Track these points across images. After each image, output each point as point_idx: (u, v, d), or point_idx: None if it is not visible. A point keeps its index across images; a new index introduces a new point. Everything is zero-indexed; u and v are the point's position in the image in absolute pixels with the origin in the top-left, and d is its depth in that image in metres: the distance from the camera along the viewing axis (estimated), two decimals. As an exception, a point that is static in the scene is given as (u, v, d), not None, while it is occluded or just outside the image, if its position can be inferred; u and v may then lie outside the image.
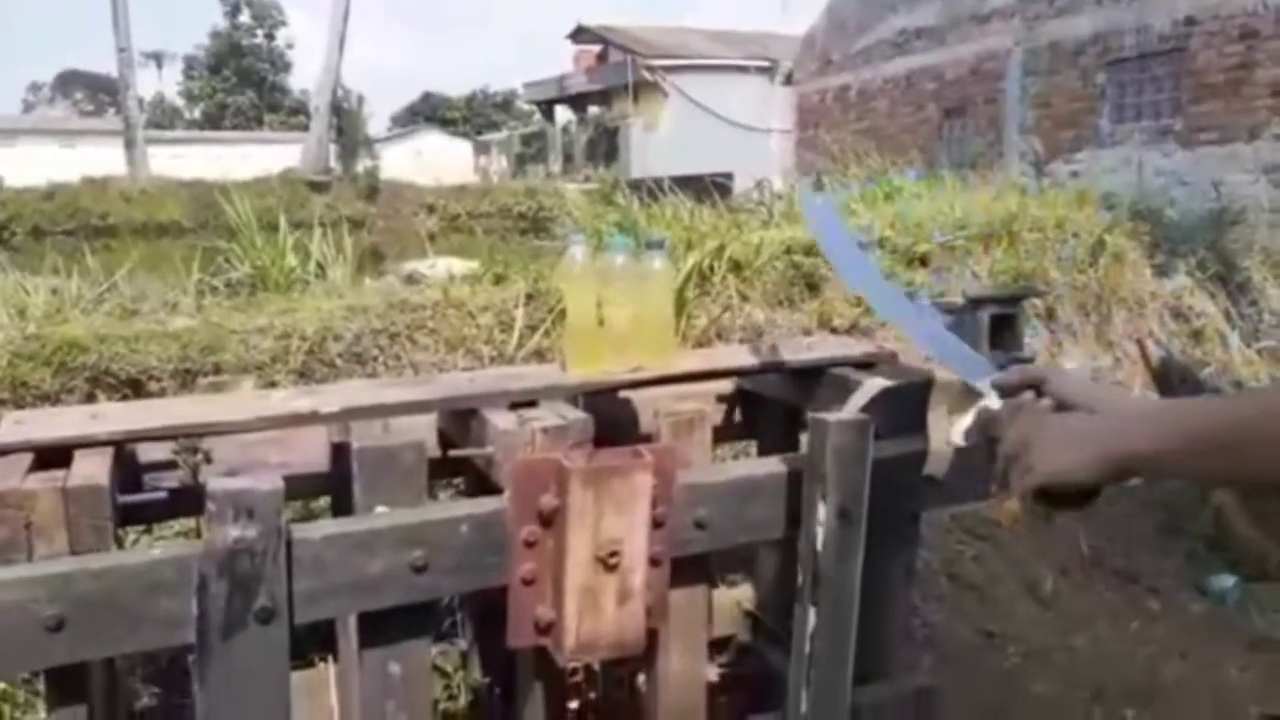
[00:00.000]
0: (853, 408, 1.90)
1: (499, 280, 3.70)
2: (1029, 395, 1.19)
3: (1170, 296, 4.40)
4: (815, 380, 2.13)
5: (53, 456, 1.57)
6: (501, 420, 1.78)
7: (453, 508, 1.66)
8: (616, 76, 28.87)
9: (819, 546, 1.87)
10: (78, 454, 1.59)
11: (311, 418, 1.75)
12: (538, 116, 40.58)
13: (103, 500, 1.48)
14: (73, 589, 1.39)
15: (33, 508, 1.44)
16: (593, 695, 2.18)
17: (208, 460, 1.94)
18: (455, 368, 3.05)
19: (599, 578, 1.63)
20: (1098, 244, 4.36)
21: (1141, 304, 4.30)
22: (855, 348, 2.24)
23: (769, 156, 20.95)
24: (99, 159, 31.46)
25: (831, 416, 1.80)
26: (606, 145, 29.60)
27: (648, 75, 27.24)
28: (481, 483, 1.91)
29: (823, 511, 1.84)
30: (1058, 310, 3.93)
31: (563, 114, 34.43)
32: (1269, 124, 8.42)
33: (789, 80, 15.47)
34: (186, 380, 2.71)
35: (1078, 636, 3.18)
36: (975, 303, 2.54)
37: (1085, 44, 10.03)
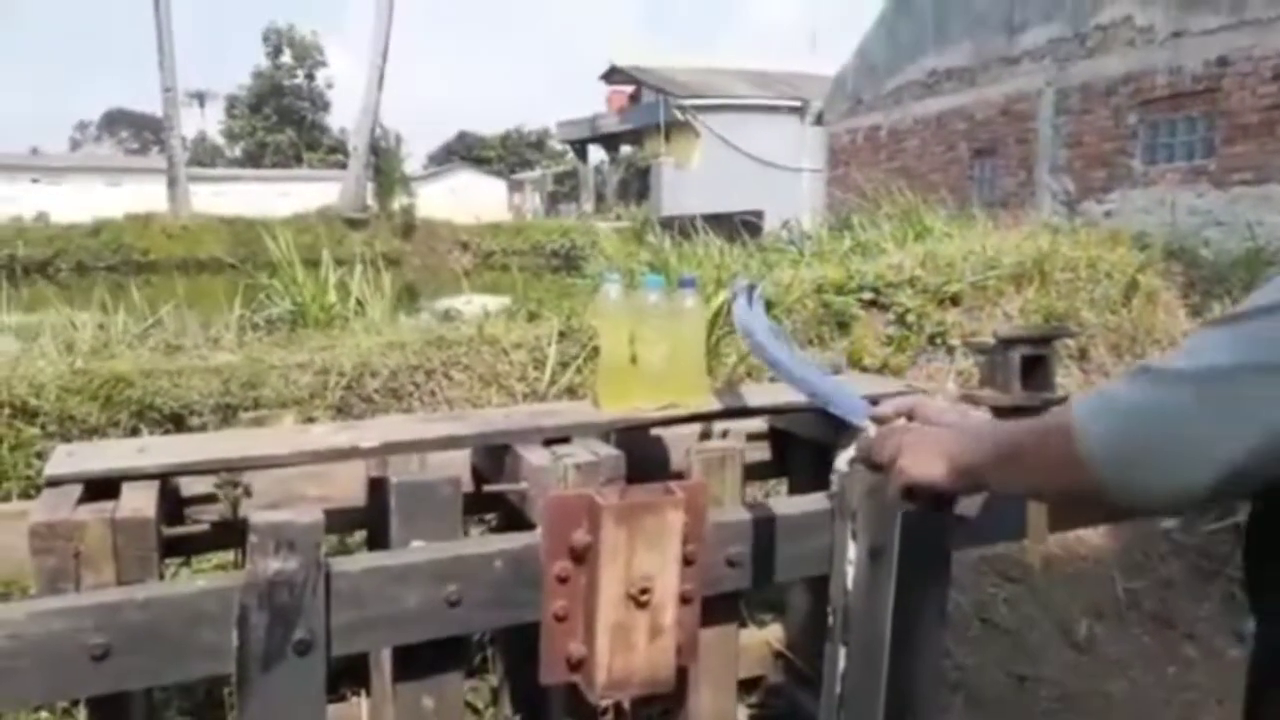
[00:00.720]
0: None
1: (533, 317, 3.75)
2: (901, 421, 1.33)
3: (1206, 337, 4.35)
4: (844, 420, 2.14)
5: (101, 488, 1.62)
6: (535, 456, 1.81)
7: (487, 543, 1.69)
8: (649, 116, 29.16)
9: (849, 586, 1.87)
10: (125, 486, 1.63)
11: (351, 452, 1.79)
12: (570, 155, 41.03)
13: (149, 532, 1.52)
14: (119, 619, 1.42)
15: (82, 538, 1.48)
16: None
17: (248, 494, 1.98)
18: (489, 404, 3.09)
19: (631, 614, 1.65)
20: (1131, 284, 4.35)
21: (1176, 344, 4.27)
22: (887, 386, 2.26)
23: (800, 195, 21.02)
24: (143, 196, 32.19)
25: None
26: (638, 184, 29.84)
27: (679, 115, 27.49)
28: (514, 518, 1.94)
29: (853, 550, 1.85)
30: (1090, 351, 3.92)
31: (595, 153, 34.79)
32: (1304, 166, 8.38)
33: (819, 120, 15.56)
34: (228, 415, 2.77)
35: (1113, 682, 3.13)
36: (1007, 343, 2.55)
37: (1117, 84, 10.02)
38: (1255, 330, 0.85)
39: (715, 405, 2.08)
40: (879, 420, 1.41)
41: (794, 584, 2.39)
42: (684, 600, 1.72)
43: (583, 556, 1.65)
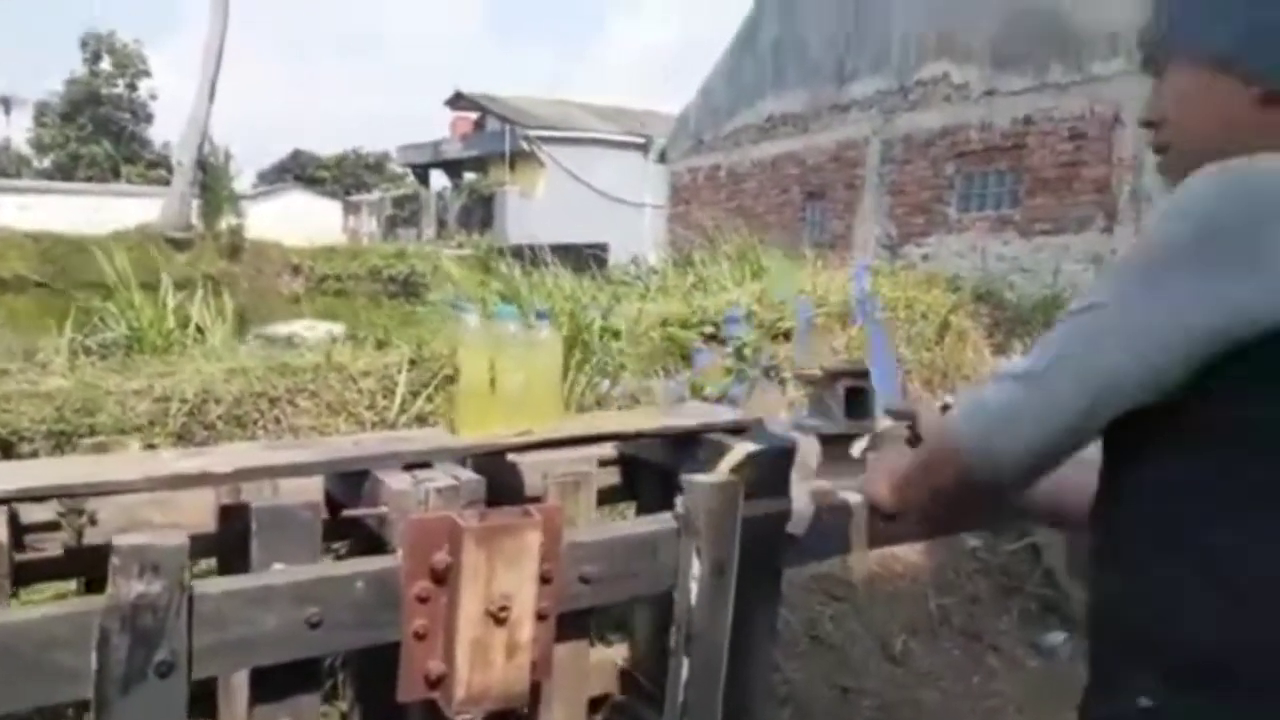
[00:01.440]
0: (723, 470, 2.06)
1: (380, 345, 3.76)
2: (900, 426, 1.53)
3: (1008, 373, 4.79)
4: (690, 444, 2.29)
5: (-56, 515, 1.58)
6: (395, 481, 1.87)
7: (348, 565, 1.74)
8: (494, 144, 29.16)
9: (693, 601, 2.01)
10: (-22, 509, 1.60)
11: (203, 478, 1.80)
12: (410, 179, 40.42)
13: (1, 558, 1.50)
14: (-34, 645, 1.40)
15: (-74, 564, 1.45)
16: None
17: (92, 522, 1.95)
18: (337, 431, 3.09)
19: (489, 632, 1.72)
20: (944, 323, 4.74)
21: (981, 380, 4.67)
22: (726, 415, 2.42)
23: (643, 230, 21.49)
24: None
25: (704, 478, 1.97)
26: (482, 211, 29.73)
27: (525, 145, 27.63)
28: (369, 544, 1.98)
29: (697, 567, 1.99)
30: (907, 385, 4.25)
31: (438, 178, 34.45)
32: (1095, 218, 9.25)
33: (662, 158, 16.01)
34: (61, 442, 2.68)
35: (926, 692, 3.39)
36: (832, 376, 2.76)
37: (936, 136, 10.81)
38: (1060, 331, 1.10)
39: (570, 432, 2.18)
40: (890, 414, 1.64)
41: (640, 605, 2.51)
42: (540, 617, 1.81)
43: (443, 577, 1.72)
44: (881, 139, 11.35)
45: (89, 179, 49.82)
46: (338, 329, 4.62)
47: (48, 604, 1.53)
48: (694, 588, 2.00)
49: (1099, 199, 9.22)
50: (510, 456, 2.15)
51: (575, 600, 1.90)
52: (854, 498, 2.33)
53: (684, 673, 2.03)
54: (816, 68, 12.07)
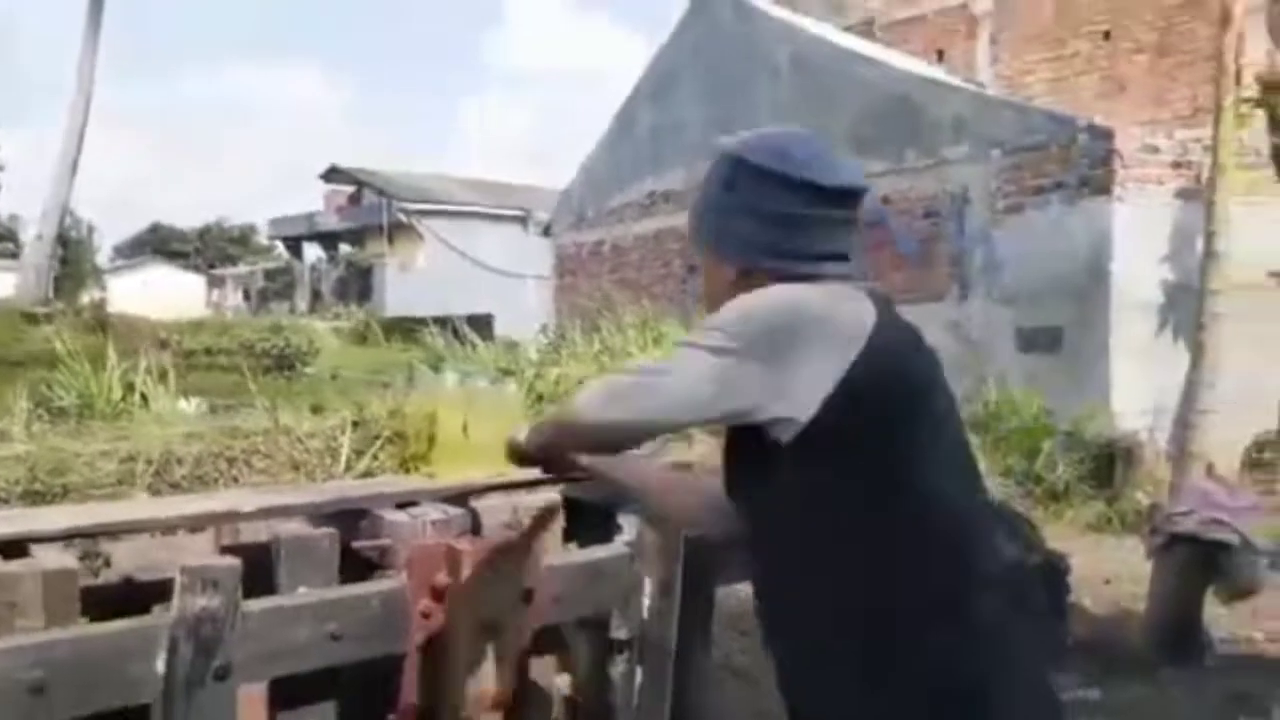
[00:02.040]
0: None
1: (316, 410, 4.00)
2: None
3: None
4: (631, 486, 2.65)
5: (12, 550, 1.80)
6: (394, 516, 2.17)
7: (363, 587, 2.01)
8: (370, 217, 29.20)
9: (644, 615, 2.35)
10: (34, 547, 1.82)
11: (231, 516, 2.06)
12: (279, 252, 39.83)
13: (73, 581, 1.74)
14: (53, 656, 1.63)
15: (15, 589, 1.67)
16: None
17: (107, 564, 2.17)
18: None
19: (482, 643, 2.03)
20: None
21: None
22: (660, 460, 2.79)
23: (525, 301, 21.84)
24: None
25: (655, 509, 2.32)
26: (360, 284, 29.58)
27: (403, 218, 27.77)
28: (364, 575, 2.25)
29: (648, 586, 2.34)
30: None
31: (311, 251, 34.10)
32: (951, 288, 10.12)
33: (547, 231, 16.48)
34: (37, 501, 2.84)
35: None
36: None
37: (805, 214, 11.61)
38: (689, 354, 1.49)
39: (534, 474, 2.51)
40: None
41: (580, 636, 2.82)
42: (521, 632, 2.12)
43: (442, 595, 2.02)
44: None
45: (-74, 252, 47.02)
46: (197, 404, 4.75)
47: (118, 621, 1.74)
48: (645, 604, 2.34)
49: (953, 270, 10.10)
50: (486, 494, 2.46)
51: (549, 616, 2.22)
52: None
53: (639, 678, 2.36)
54: (693, 148, 12.80)
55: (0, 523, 1.90)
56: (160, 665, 1.69)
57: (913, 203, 10.64)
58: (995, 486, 4.91)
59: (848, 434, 1.40)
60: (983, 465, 5.10)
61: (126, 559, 2.17)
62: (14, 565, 1.70)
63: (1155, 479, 7.34)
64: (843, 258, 1.61)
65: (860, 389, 1.40)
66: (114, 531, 1.96)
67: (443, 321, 9.84)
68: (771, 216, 1.55)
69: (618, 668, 2.94)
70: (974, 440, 5.37)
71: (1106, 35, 12.12)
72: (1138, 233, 8.47)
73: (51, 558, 1.75)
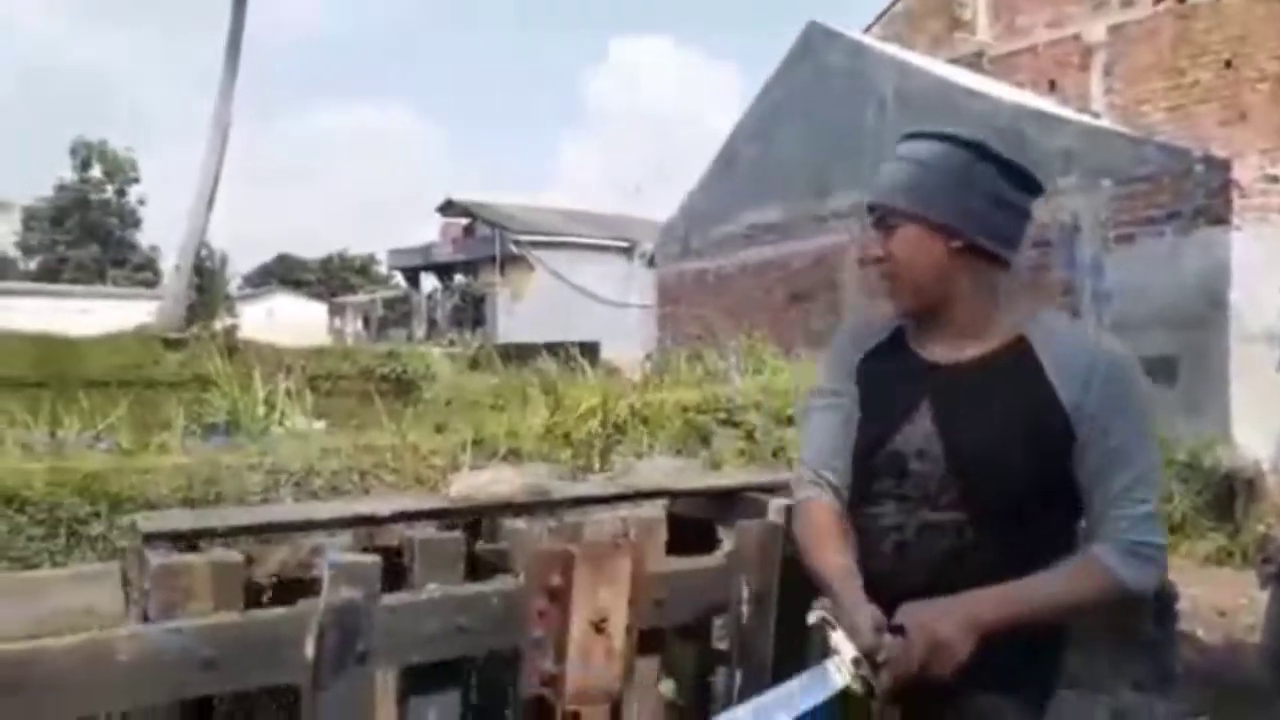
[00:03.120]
0: (767, 517, 2.58)
1: (439, 429, 4.27)
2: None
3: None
4: (730, 501, 2.81)
5: (188, 543, 2.07)
6: (513, 523, 2.38)
7: (486, 585, 2.22)
8: (483, 248, 30.12)
9: (743, 622, 2.50)
10: (203, 542, 2.09)
11: (371, 520, 2.30)
12: (397, 281, 41.27)
13: (238, 572, 1.99)
14: (222, 636, 1.88)
15: (191, 576, 1.93)
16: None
17: (250, 561, 2.44)
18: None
19: (592, 640, 2.21)
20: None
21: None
22: (762, 475, 2.95)
23: (629, 328, 22.18)
24: (-84, 306, 29.94)
25: (752, 522, 2.48)
26: (473, 312, 30.50)
27: (514, 249, 28.57)
28: (486, 575, 2.47)
29: (745, 594, 2.49)
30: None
31: (427, 281, 35.30)
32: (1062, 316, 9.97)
33: (651, 262, 16.78)
34: (194, 508, 3.15)
35: None
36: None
37: (911, 243, 11.61)
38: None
39: (636, 488, 2.70)
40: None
41: (683, 648, 2.98)
42: (628, 631, 2.29)
43: (556, 595, 2.20)
44: (858, 245, 12.16)
45: (74, 281, 50.25)
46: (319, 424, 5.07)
47: (275, 609, 1.99)
48: (743, 611, 2.49)
49: (1065, 300, 9.94)
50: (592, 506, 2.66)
51: (651, 620, 2.39)
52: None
53: (738, 680, 2.51)
54: (794, 183, 12.93)
55: (174, 521, 2.17)
56: (310, 649, 1.92)
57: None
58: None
59: None
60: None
61: (274, 560, 2.44)
62: (189, 557, 1.96)
63: (1279, 511, 7.08)
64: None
65: None
66: (273, 529, 2.21)
67: (553, 348, 10.18)
68: (1002, 202, 1.74)
69: (718, 677, 3.10)
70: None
71: (1228, 64, 11.79)
72: (1258, 261, 8.23)
73: (218, 552, 2.01)
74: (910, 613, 1.60)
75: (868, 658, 1.56)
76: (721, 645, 3.36)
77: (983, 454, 1.66)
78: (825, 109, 12.74)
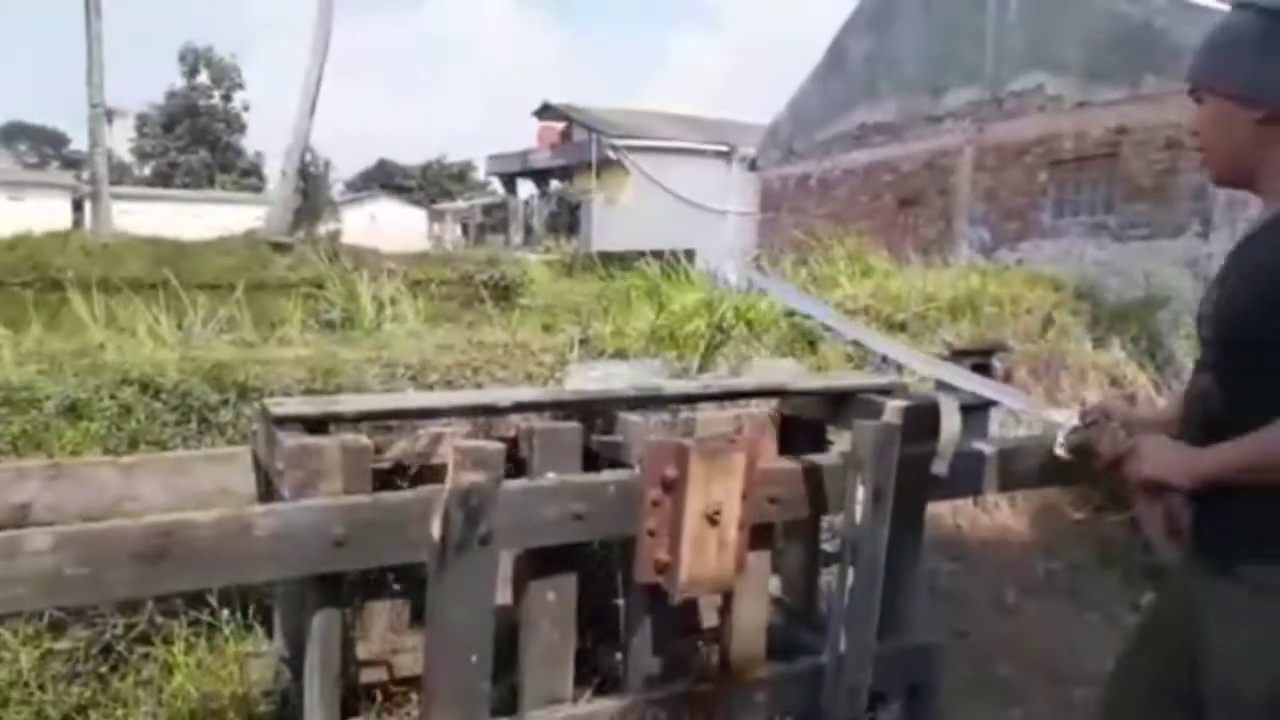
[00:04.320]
0: (884, 418, 2.52)
1: (547, 328, 4.29)
2: (1106, 420, 1.89)
3: (1108, 366, 5.16)
4: (844, 403, 2.76)
5: (314, 427, 2.13)
6: (628, 416, 2.38)
7: (603, 476, 2.24)
8: (580, 153, 29.91)
9: (857, 520, 2.48)
10: (331, 426, 2.15)
11: (491, 409, 2.33)
12: (494, 187, 41.49)
13: (367, 456, 2.05)
14: (355, 517, 1.94)
15: (321, 458, 1.99)
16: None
17: (379, 450, 2.50)
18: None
19: (706, 531, 2.22)
20: (1047, 318, 5.11)
21: (1084, 371, 5.02)
22: (877, 378, 2.89)
23: (725, 235, 21.94)
24: (47, 212, 31.35)
25: (870, 422, 2.43)
26: (568, 218, 30.52)
27: (611, 154, 28.32)
28: (600, 468, 2.49)
29: (861, 493, 2.46)
30: (1015, 372, 4.64)
31: (524, 187, 35.38)
32: (1190, 224, 9.43)
33: (752, 166, 16.46)
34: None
35: (1031, 639, 3.80)
36: (957, 354, 3.20)
37: (1029, 145, 11.06)
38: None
39: (748, 386, 2.68)
40: (1084, 415, 1.96)
41: (792, 545, 2.98)
42: (740, 526, 2.30)
43: (671, 487, 2.21)
44: (975, 147, 11.66)
45: (185, 186, 51.95)
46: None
47: (404, 491, 2.05)
48: (858, 510, 2.46)
49: (1195, 206, 9.40)
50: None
51: (763, 515, 2.38)
52: (986, 449, 2.78)
53: (849, 579, 2.50)
54: (909, 81, 12.41)
55: (302, 406, 2.23)
56: (436, 529, 1.97)
57: (1152, 132, 9.94)
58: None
59: None
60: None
61: (397, 448, 2.50)
62: (320, 439, 2.02)
63: None
64: None
65: None
66: (397, 415, 2.26)
67: (652, 254, 10.16)
68: None
69: (827, 578, 3.11)
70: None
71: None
72: None
73: (348, 436, 2.06)
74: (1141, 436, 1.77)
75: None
76: (829, 547, 3.36)
77: (1233, 315, 1.64)
78: (941, 1, 12.14)
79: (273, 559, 1.88)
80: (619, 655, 2.41)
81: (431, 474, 2.36)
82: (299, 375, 3.30)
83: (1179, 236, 9.49)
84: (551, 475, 2.19)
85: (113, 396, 2.92)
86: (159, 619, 2.47)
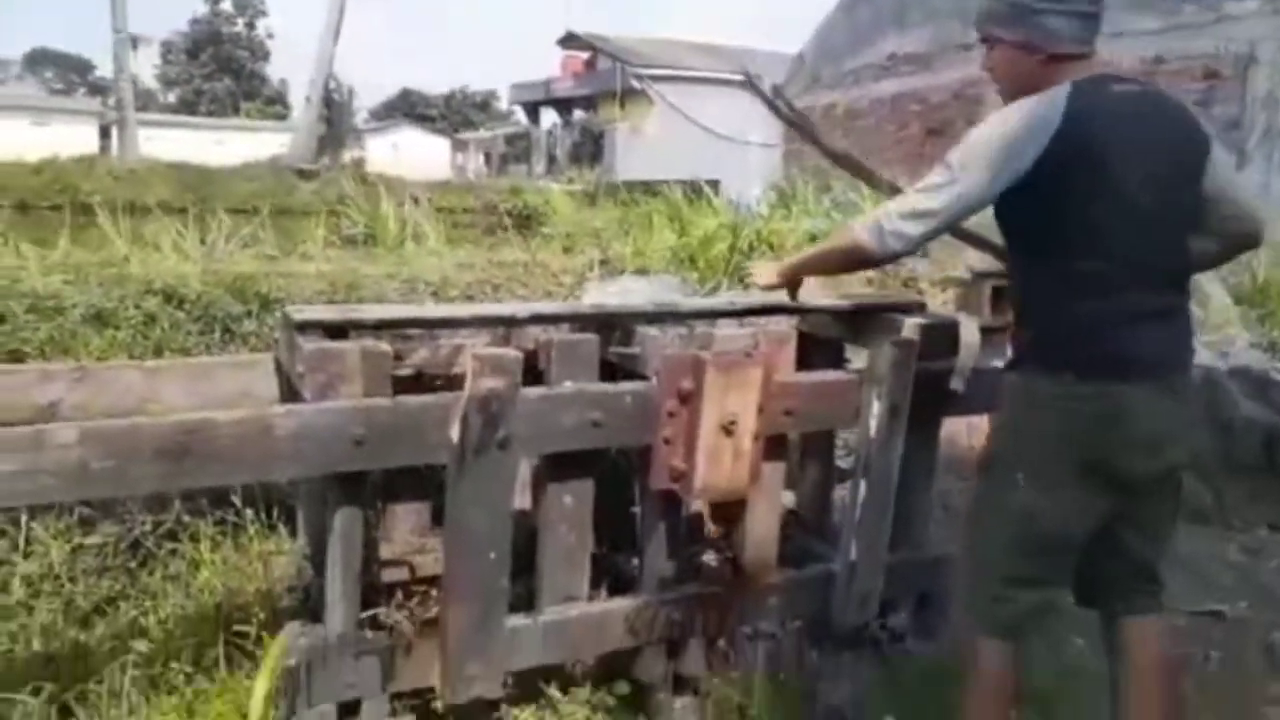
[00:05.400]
0: (903, 334, 2.53)
1: (567, 250, 4.29)
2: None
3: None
4: (863, 321, 2.76)
5: (334, 333, 2.16)
6: (646, 329, 2.39)
7: (620, 386, 2.26)
8: (604, 82, 29.52)
9: (872, 434, 2.50)
10: (352, 332, 2.18)
11: (510, 320, 2.35)
12: (517, 117, 41.09)
13: (387, 361, 2.07)
14: (374, 418, 1.97)
15: (342, 361, 2.02)
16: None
17: (399, 357, 2.53)
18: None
19: (721, 441, 2.24)
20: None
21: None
22: (895, 298, 2.88)
23: (748, 166, 21.68)
24: (73, 138, 31.35)
25: (889, 338, 2.44)
26: (592, 148, 30.22)
27: (635, 83, 27.93)
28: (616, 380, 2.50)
29: (876, 407, 2.47)
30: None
31: (547, 116, 35.01)
32: (1223, 157, 9.27)
33: (778, 95, 16.24)
34: (337, 310, 3.27)
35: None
36: (979, 276, 3.18)
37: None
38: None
39: (764, 303, 2.68)
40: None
41: (805, 458, 3.00)
42: (755, 437, 2.32)
43: (687, 398, 2.23)
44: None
45: (209, 113, 51.79)
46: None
47: (423, 395, 2.08)
48: (873, 424, 2.48)
49: (1231, 136, 9.20)
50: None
51: (779, 428, 2.40)
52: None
53: (861, 493, 2.53)
54: (939, 8, 12.11)
55: (323, 313, 2.26)
56: (455, 433, 2.00)
57: (1190, 62, 9.70)
58: (1260, 359, 4.62)
59: (1040, 191, 1.92)
60: (1247, 337, 4.80)
61: (417, 357, 2.52)
62: (340, 343, 2.04)
63: None
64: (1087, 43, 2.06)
65: (1045, 164, 1.90)
66: (417, 324, 2.28)
67: (676, 184, 10.11)
68: (1070, 12, 2.02)
69: (840, 494, 3.13)
70: (1240, 313, 5.05)
71: None
72: None
73: (368, 341, 2.08)
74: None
75: None
76: (843, 464, 3.39)
77: None
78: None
79: (293, 458, 1.92)
80: (635, 561, 2.46)
81: (452, 385, 2.38)
82: (320, 288, 3.33)
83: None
84: (569, 384, 2.21)
85: (137, 306, 2.97)
86: (186, 518, 2.54)
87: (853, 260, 2.23)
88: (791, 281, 2.52)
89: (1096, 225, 1.92)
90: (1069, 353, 1.98)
